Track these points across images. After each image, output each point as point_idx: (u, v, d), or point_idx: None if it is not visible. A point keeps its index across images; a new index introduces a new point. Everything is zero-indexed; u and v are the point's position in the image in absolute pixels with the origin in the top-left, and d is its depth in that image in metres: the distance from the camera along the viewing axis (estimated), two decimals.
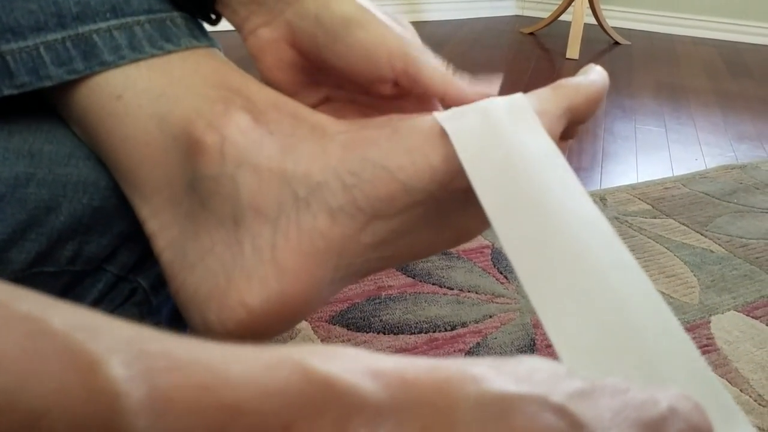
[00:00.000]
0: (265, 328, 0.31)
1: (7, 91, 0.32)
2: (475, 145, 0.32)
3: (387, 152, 0.32)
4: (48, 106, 0.36)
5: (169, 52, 0.35)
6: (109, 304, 0.38)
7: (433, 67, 0.35)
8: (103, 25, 0.33)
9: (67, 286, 0.36)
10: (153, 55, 0.34)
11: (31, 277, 0.34)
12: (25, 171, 0.33)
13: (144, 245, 0.36)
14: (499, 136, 0.33)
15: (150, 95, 0.33)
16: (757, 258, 1.36)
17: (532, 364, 0.23)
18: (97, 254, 0.36)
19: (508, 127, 0.33)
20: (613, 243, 0.31)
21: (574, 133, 0.39)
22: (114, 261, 0.38)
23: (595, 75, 0.37)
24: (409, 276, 1.24)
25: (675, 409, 0.23)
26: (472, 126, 0.33)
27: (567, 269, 0.29)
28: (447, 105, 0.36)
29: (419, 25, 2.86)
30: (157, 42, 0.34)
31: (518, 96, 0.36)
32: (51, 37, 0.32)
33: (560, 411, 0.20)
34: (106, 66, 0.33)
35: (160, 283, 0.40)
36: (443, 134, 0.33)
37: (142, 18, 0.34)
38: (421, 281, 1.24)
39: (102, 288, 0.37)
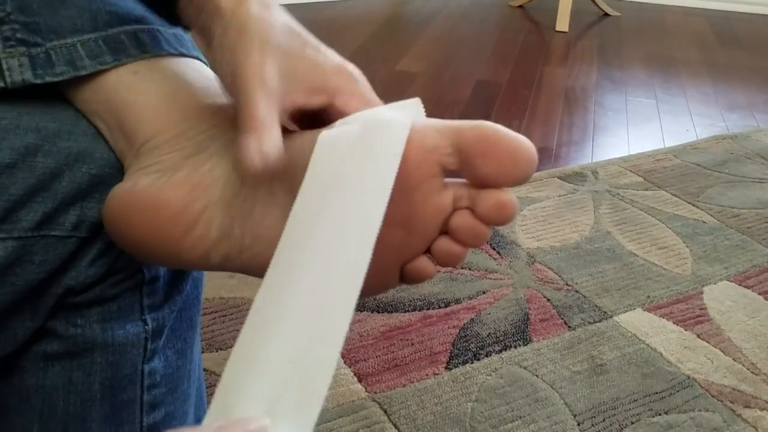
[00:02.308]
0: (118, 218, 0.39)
1: (48, 79, 0.38)
2: (327, 152, 0.35)
3: None
4: (53, 93, 0.42)
5: (183, 55, 0.42)
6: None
7: None
8: (129, 28, 0.40)
9: (74, 253, 0.41)
10: (170, 54, 0.41)
11: (40, 239, 0.39)
12: (34, 143, 0.38)
13: None
14: (349, 151, 0.34)
15: (164, 73, 0.41)
16: (748, 228, 1.36)
17: None
18: (98, 220, 0.41)
19: (365, 143, 0.34)
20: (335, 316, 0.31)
21: (486, 185, 0.35)
22: None
23: (492, 125, 0.36)
24: None
25: None
26: (338, 135, 0.35)
27: (283, 303, 0.32)
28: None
29: (407, 0, 2.83)
30: (173, 45, 0.42)
31: (404, 115, 0.35)
32: (86, 36, 0.39)
33: None
34: (131, 59, 0.40)
35: None
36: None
37: (161, 27, 0.42)
38: None
39: (101, 248, 0.42)
